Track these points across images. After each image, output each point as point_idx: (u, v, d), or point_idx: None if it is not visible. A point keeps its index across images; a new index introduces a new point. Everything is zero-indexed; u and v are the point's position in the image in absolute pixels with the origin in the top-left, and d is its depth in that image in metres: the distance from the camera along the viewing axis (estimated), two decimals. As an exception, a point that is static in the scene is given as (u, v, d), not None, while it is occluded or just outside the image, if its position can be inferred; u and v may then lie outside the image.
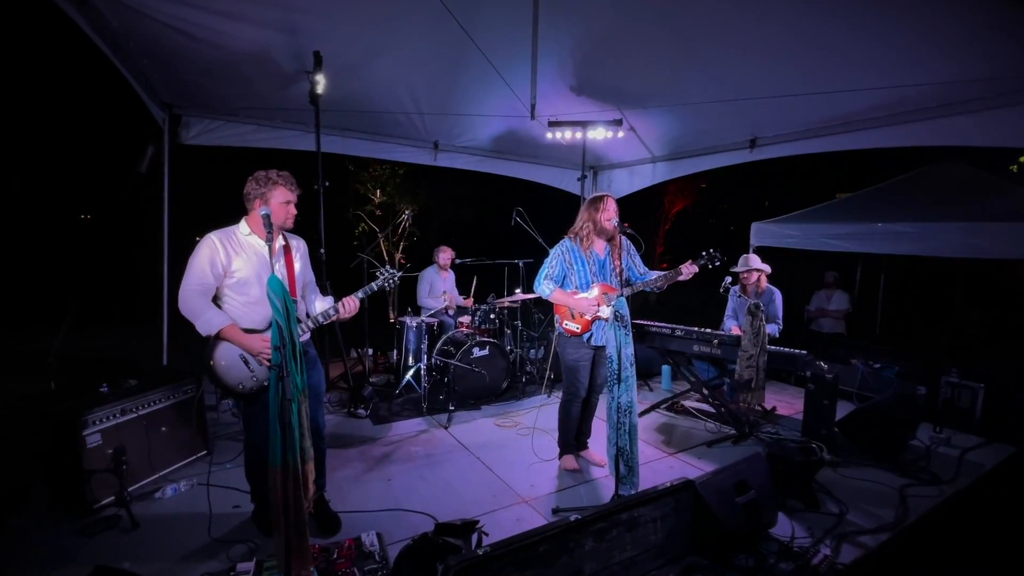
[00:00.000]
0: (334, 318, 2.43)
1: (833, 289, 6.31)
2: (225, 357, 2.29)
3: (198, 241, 2.32)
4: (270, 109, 4.99)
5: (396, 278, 2.53)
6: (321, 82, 4.00)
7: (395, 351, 5.15)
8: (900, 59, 3.50)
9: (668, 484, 2.17)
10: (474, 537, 2.14)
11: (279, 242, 2.42)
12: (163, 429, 3.04)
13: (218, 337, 2.26)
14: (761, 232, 6.07)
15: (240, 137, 5.26)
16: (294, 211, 2.41)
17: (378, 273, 2.52)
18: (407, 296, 5.80)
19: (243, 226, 2.39)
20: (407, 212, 5.24)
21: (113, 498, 2.61)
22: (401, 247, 11.33)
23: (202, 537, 2.43)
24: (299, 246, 2.58)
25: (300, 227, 2.65)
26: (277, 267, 2.36)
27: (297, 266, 2.50)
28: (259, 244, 2.37)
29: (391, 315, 9.93)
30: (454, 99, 5.04)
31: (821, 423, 3.55)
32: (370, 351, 5.41)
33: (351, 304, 2.43)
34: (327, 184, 4.48)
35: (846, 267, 7.13)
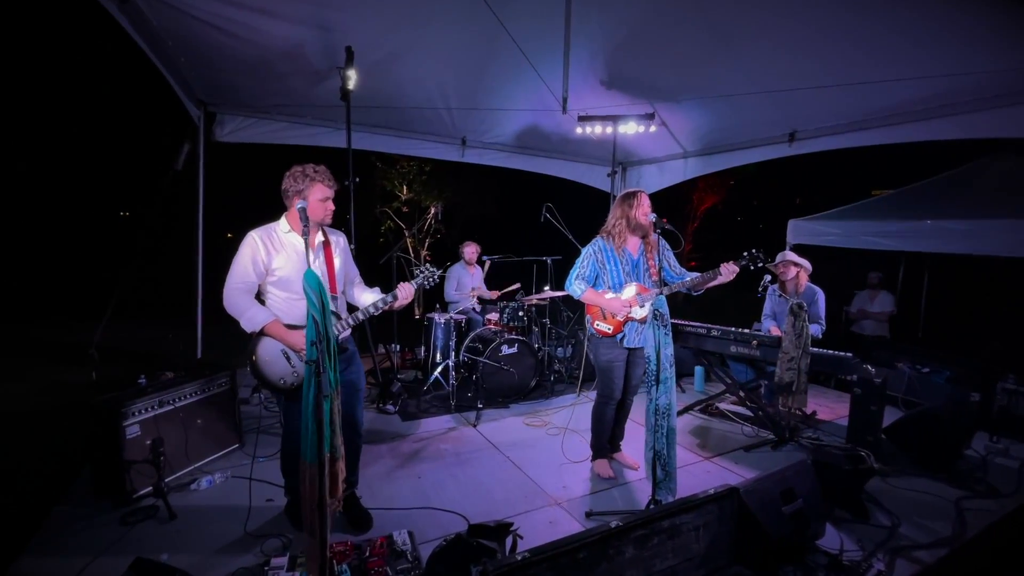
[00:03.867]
0: (391, 304, 2.40)
1: (877, 290, 6.04)
2: (268, 352, 2.30)
3: (229, 237, 2.34)
4: (302, 106, 5.04)
5: (436, 276, 2.49)
6: (352, 78, 3.99)
7: (423, 347, 5.14)
8: (954, 45, 3.29)
9: (711, 491, 2.08)
10: (508, 540, 2.09)
11: (318, 238, 2.41)
12: (198, 422, 3.08)
13: (261, 333, 2.27)
14: (798, 230, 5.86)
15: (272, 134, 5.34)
16: (332, 207, 2.38)
17: (417, 271, 2.49)
18: (433, 293, 5.80)
19: (282, 223, 2.38)
20: (436, 206, 5.20)
21: (151, 488, 2.64)
22: (427, 244, 11.38)
23: (237, 530, 2.44)
24: (339, 241, 2.55)
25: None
26: (316, 263, 2.37)
27: (337, 262, 2.47)
28: (298, 241, 2.36)
29: (417, 311, 9.99)
30: (484, 94, 5.00)
31: (868, 429, 3.37)
32: (397, 347, 5.42)
33: (407, 290, 2.39)
34: (358, 180, 4.50)
35: (888, 267, 6.82)
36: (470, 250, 5.51)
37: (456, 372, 4.41)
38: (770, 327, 4.23)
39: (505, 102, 5.05)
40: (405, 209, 11.17)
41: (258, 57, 3.98)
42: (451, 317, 4.63)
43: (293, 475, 2.48)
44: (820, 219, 5.85)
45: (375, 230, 11.31)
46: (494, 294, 5.56)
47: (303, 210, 1.97)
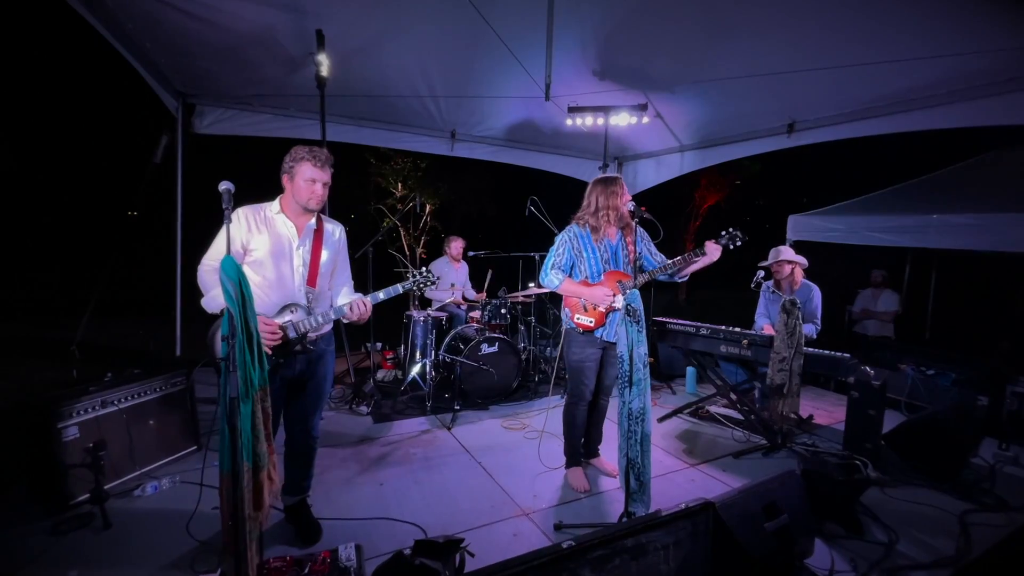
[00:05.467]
0: (344, 317, 2.22)
1: (881, 288, 5.78)
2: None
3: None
4: (283, 96, 4.88)
5: (430, 282, 2.32)
6: (325, 63, 3.84)
7: (403, 346, 4.95)
8: (965, 22, 3.05)
9: (683, 506, 1.87)
10: (457, 557, 1.89)
11: (310, 223, 2.25)
12: (150, 423, 2.91)
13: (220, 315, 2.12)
14: (799, 225, 5.63)
15: (253, 126, 5.18)
16: (320, 191, 2.17)
17: (407, 274, 2.31)
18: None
19: (275, 203, 2.23)
20: (417, 200, 5.02)
21: (89, 495, 2.46)
22: (423, 241, 11.19)
23: (171, 542, 2.26)
24: (334, 231, 2.36)
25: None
26: (301, 251, 2.22)
27: (324, 253, 2.28)
28: (286, 225, 2.20)
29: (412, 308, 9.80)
30: (470, 83, 4.81)
31: (866, 435, 3.14)
32: (378, 345, 5.23)
33: (360, 307, 2.21)
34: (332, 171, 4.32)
35: (893, 265, 6.57)
36: (456, 245, 5.31)
37: (435, 372, 4.21)
38: (763, 325, 4.01)
39: (489, 89, 4.85)
40: (400, 206, 11.00)
41: (227, 42, 3.82)
42: (430, 314, 4.43)
43: None
44: (821, 214, 5.62)
45: (374, 228, 11.15)
46: (480, 296, 5.36)
47: (227, 191, 1.78)
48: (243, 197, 2.26)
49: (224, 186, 1.79)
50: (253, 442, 1.64)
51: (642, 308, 2.26)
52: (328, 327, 2.34)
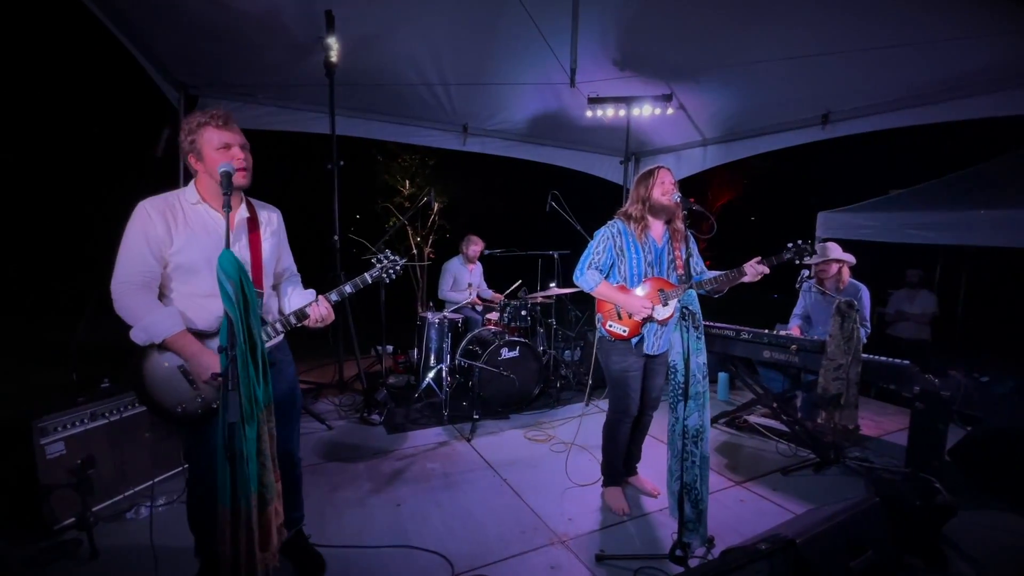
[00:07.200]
0: (305, 323, 1.84)
1: (917, 289, 5.48)
2: (159, 368, 1.66)
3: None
4: (289, 87, 4.64)
5: (399, 267, 1.94)
6: (334, 47, 3.59)
7: (416, 349, 4.69)
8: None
9: (761, 545, 1.59)
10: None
11: (241, 213, 1.81)
12: (146, 435, 2.65)
13: (158, 345, 1.65)
14: (829, 222, 5.32)
15: (259, 120, 4.95)
16: (241, 155, 1.74)
17: (374, 260, 1.93)
18: (432, 291, 5.36)
19: (190, 192, 1.77)
20: (431, 192, 4.75)
21: (75, 519, 2.21)
22: (431, 240, 10.94)
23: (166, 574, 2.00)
24: (271, 219, 1.95)
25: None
26: (237, 247, 1.79)
27: (266, 247, 1.88)
28: (213, 216, 1.76)
29: (420, 308, 9.55)
30: (485, 72, 4.55)
31: (932, 452, 2.85)
32: (390, 348, 4.97)
33: (318, 311, 1.82)
34: (342, 163, 4.07)
35: (923, 265, 6.27)
36: (475, 247, 5.02)
37: (451, 378, 3.95)
38: (794, 327, 3.73)
39: (509, 77, 4.58)
40: (407, 204, 10.76)
41: (228, 24, 3.55)
42: (446, 317, 4.17)
43: (205, 530, 1.84)
44: (854, 211, 5.31)
45: (382, 226, 10.90)
46: (497, 297, 5.09)
47: (227, 175, 1.52)
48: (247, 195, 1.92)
49: (223, 168, 1.53)
50: (260, 470, 1.37)
51: (700, 311, 1.98)
52: (281, 336, 1.92)
